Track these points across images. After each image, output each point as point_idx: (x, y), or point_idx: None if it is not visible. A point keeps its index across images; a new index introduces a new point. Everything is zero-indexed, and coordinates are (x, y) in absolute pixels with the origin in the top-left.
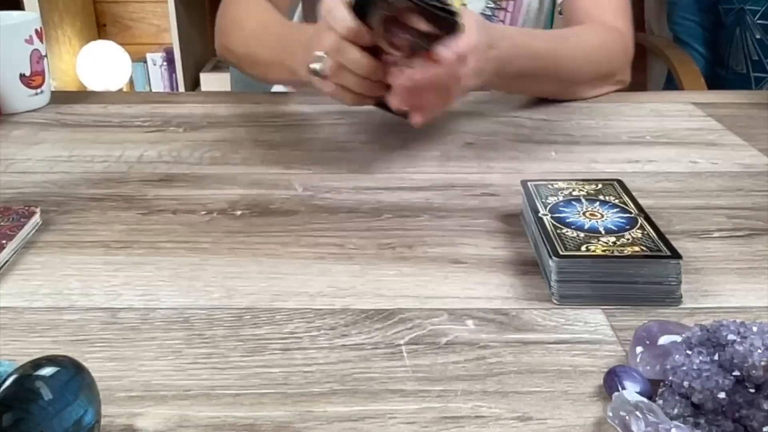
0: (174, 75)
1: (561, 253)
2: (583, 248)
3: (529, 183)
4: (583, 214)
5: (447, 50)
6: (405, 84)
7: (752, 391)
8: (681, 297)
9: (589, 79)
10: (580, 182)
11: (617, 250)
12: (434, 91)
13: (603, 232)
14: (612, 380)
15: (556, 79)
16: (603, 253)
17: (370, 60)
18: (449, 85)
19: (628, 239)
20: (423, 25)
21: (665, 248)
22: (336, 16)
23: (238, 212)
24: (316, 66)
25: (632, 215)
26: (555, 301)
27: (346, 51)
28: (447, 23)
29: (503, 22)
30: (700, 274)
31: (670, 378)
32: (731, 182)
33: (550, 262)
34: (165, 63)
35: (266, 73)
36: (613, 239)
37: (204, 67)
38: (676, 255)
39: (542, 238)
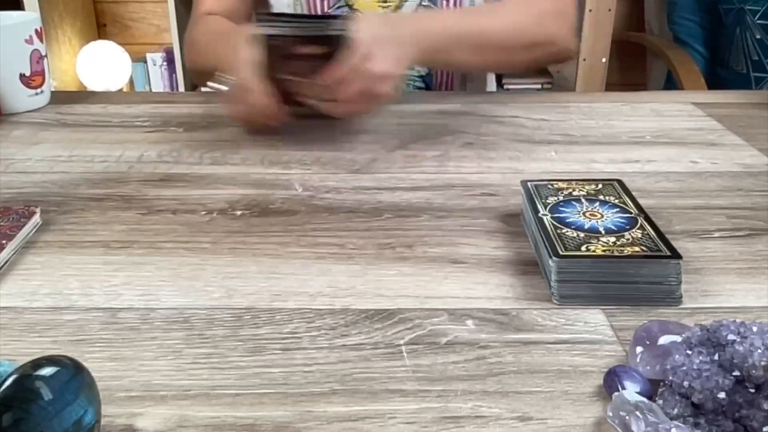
0: (174, 75)
1: (561, 253)
2: (583, 248)
3: (528, 183)
4: (583, 214)
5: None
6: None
7: (752, 391)
8: (681, 297)
9: (519, 46)
10: (580, 182)
11: (617, 250)
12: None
13: (603, 232)
14: (612, 380)
15: (485, 50)
16: (603, 253)
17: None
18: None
19: (628, 239)
20: (316, 49)
21: (665, 248)
22: (246, 82)
23: (238, 212)
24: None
25: (632, 215)
26: (555, 302)
27: (248, 98)
28: (335, 40)
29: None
30: (700, 274)
31: (670, 378)
32: (731, 182)
33: (550, 262)
34: (165, 63)
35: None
36: (613, 239)
37: None
38: (676, 255)
39: (542, 238)
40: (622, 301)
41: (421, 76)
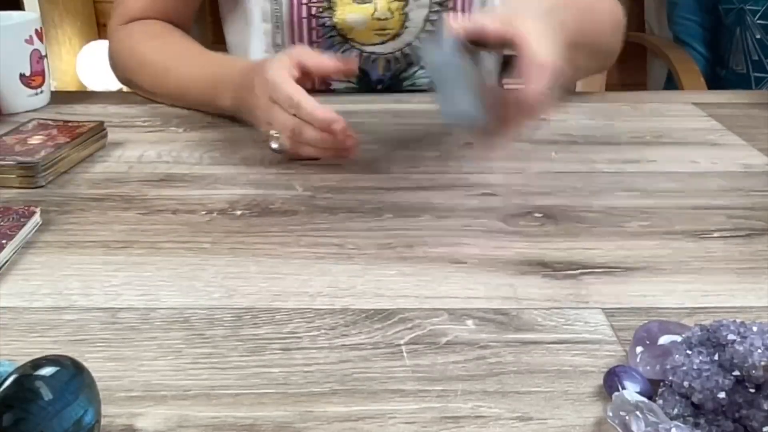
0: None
1: None
2: None
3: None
4: None
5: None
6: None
7: (752, 391)
8: None
9: (615, 43)
10: None
11: None
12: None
13: None
14: (612, 380)
15: (597, 55)
16: None
17: (325, 135)
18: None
19: None
20: None
21: None
22: (290, 97)
23: (238, 212)
24: (275, 145)
25: None
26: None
27: (304, 132)
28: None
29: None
30: (700, 274)
31: (670, 378)
32: (731, 182)
33: None
34: None
35: (183, 103)
36: None
37: None
38: None
39: None
40: None
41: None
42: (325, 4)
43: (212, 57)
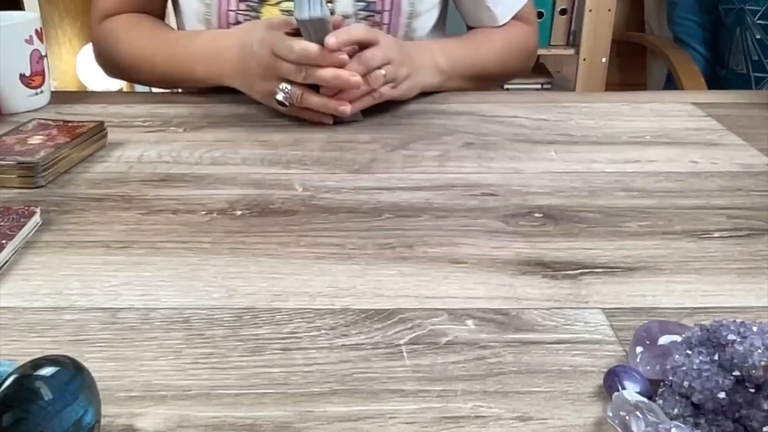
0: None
1: None
2: None
3: None
4: None
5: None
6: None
7: (752, 391)
8: None
9: (500, 76)
10: None
11: None
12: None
13: None
14: (612, 380)
15: (474, 79)
16: None
17: (335, 71)
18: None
19: None
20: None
21: None
22: (287, 46)
23: (238, 212)
24: (281, 98)
25: None
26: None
27: (312, 72)
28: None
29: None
30: (700, 274)
31: (670, 378)
32: (731, 182)
33: None
34: None
35: (177, 82)
36: None
37: None
38: None
39: None
40: None
41: None
42: (252, 13)
43: (197, 33)
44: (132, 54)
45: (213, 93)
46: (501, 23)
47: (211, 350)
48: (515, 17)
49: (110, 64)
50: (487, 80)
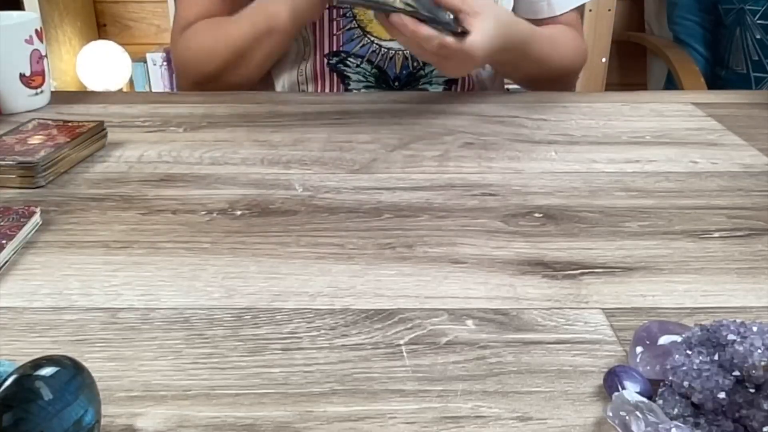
0: (174, 75)
1: None
2: None
3: None
4: None
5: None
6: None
7: (752, 391)
8: None
9: (557, 73)
10: None
11: None
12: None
13: None
14: (612, 380)
15: (539, 68)
16: None
17: None
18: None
19: None
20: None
21: None
22: None
23: (238, 212)
24: None
25: None
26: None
27: None
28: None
29: None
30: (700, 274)
31: (670, 378)
32: (731, 182)
33: None
34: (165, 63)
35: (251, 59)
36: None
37: None
38: None
39: None
40: None
41: (446, 81)
42: None
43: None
44: (226, 50)
45: (213, 93)
46: (558, 13)
47: (211, 350)
48: (567, 23)
49: (194, 70)
50: (544, 68)
